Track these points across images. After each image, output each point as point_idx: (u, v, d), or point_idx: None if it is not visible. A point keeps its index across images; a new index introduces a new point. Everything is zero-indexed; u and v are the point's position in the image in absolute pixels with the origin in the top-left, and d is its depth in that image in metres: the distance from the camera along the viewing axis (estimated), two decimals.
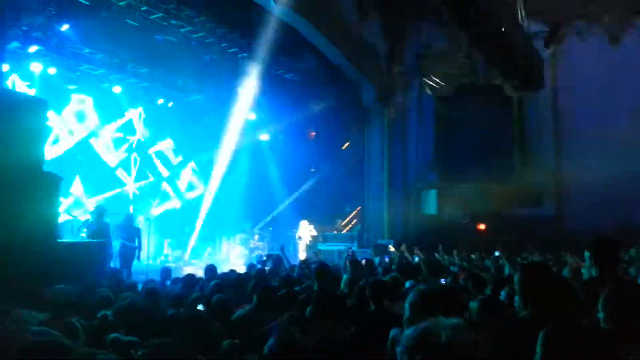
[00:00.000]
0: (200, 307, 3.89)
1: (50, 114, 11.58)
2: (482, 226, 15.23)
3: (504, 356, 1.98)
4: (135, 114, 14.98)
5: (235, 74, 14.62)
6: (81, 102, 13.59)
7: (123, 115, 14.66)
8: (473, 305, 2.99)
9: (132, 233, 10.63)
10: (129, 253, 10.36)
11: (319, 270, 5.09)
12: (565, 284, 2.15)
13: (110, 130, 14.51)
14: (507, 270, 6.75)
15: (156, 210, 15.47)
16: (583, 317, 2.19)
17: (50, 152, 12.16)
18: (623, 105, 14.47)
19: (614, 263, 3.08)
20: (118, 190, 14.65)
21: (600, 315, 2.01)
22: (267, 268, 7.91)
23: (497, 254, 8.76)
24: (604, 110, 14.58)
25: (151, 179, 15.66)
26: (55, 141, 13.03)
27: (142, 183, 15.46)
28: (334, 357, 2.89)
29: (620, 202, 14.14)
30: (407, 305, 2.28)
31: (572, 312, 2.03)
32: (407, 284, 4.92)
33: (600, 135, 14.38)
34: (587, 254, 3.15)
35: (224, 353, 2.86)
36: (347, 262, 7.31)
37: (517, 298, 2.13)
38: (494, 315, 2.50)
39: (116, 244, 10.09)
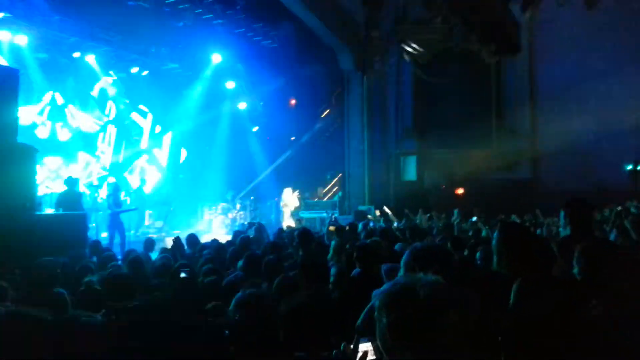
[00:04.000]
0: (183, 274, 3.91)
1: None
2: (460, 191, 15.48)
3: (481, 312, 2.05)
4: (108, 83, 14.60)
5: (211, 41, 14.32)
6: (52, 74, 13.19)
7: (94, 86, 14.28)
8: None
9: (119, 203, 10.59)
10: (120, 222, 10.33)
11: (302, 234, 5.15)
12: (541, 243, 2.24)
13: (84, 101, 14.18)
14: (484, 233, 6.91)
15: (135, 182, 15.31)
16: (557, 272, 2.30)
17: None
18: (598, 69, 14.63)
19: (586, 221, 3.24)
20: (94, 161, 14.43)
21: (575, 270, 2.11)
22: (250, 236, 7.94)
23: (474, 219, 8.92)
24: (579, 75, 14.74)
25: (129, 150, 15.42)
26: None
27: (120, 155, 15.23)
28: (316, 318, 2.95)
29: (594, 165, 14.49)
30: (401, 263, 2.33)
31: (547, 268, 2.12)
32: (397, 247, 5.00)
33: (575, 100, 14.60)
34: (562, 213, 3.29)
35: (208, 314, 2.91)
36: (331, 228, 7.40)
37: (495, 257, 2.20)
38: (468, 273, 2.59)
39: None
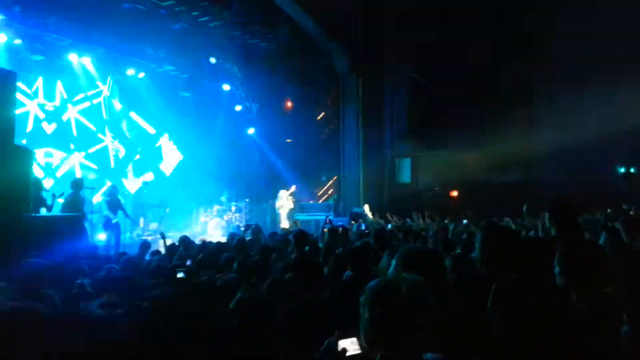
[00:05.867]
0: (180, 274, 3.95)
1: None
2: (454, 193, 15.55)
3: (470, 311, 2.11)
4: (105, 85, 14.64)
5: (207, 44, 14.37)
6: (49, 75, 13.22)
7: (93, 87, 14.31)
8: (447, 263, 3.14)
9: (116, 206, 10.55)
10: (114, 226, 10.31)
11: (298, 235, 5.20)
12: (523, 244, 2.29)
13: (80, 103, 14.19)
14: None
15: (131, 184, 15.31)
16: (540, 273, 2.35)
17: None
18: (595, 72, 14.71)
19: (570, 223, 3.30)
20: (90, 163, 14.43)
21: (556, 270, 2.17)
22: (246, 239, 7.98)
23: (465, 222, 8.97)
24: (575, 78, 14.82)
25: (123, 151, 15.43)
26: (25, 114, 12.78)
27: (115, 157, 15.23)
28: (308, 319, 3.00)
29: (588, 168, 14.58)
30: (393, 262, 2.38)
31: (528, 268, 2.17)
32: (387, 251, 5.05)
33: (571, 103, 14.67)
34: (546, 214, 3.36)
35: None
36: (325, 230, 7.46)
37: (474, 255, 2.25)
38: (464, 272, 2.63)
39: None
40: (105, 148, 14.89)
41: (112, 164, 14.96)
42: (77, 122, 14.25)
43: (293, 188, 15.11)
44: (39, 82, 13.16)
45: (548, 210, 3.43)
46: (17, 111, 12.04)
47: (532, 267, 2.17)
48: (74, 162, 13.91)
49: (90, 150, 14.39)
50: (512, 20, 15.81)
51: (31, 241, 6.09)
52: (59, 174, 13.36)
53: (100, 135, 14.74)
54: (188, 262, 5.89)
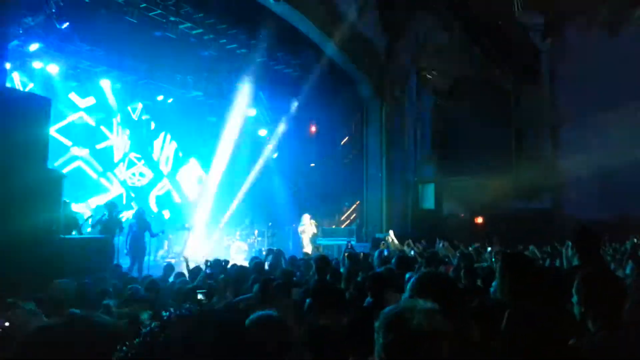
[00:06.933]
0: (200, 296, 4.02)
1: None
2: (479, 220, 15.34)
3: (484, 340, 2.10)
4: (134, 110, 15.08)
5: (234, 70, 14.70)
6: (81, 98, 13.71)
7: (122, 112, 14.74)
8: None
9: (143, 228, 10.79)
10: (140, 249, 10.53)
11: (319, 260, 5.22)
12: (542, 273, 2.28)
13: (110, 126, 14.62)
14: None
15: (156, 207, 15.58)
16: (564, 303, 2.33)
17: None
18: (620, 97, 14.53)
19: (594, 252, 3.24)
20: (115, 188, 14.76)
21: (574, 299, 2.15)
22: (267, 263, 8.03)
23: (489, 249, 8.83)
24: (601, 103, 14.65)
25: (151, 175, 15.76)
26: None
27: (142, 180, 15.57)
28: (326, 343, 3.01)
29: (617, 195, 14.26)
30: (408, 287, 2.39)
31: (547, 297, 2.15)
32: (407, 275, 5.04)
33: (597, 128, 14.47)
34: (569, 243, 3.32)
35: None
36: (345, 256, 7.46)
37: (494, 284, 2.25)
38: (486, 300, 2.62)
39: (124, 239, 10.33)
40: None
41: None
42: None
43: (313, 221, 15.19)
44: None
45: (571, 239, 3.38)
46: (72, 117, 13.08)
47: (551, 296, 2.16)
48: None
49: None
50: (536, 45, 15.80)
51: (61, 262, 6.25)
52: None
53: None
54: (209, 271, 5.98)
